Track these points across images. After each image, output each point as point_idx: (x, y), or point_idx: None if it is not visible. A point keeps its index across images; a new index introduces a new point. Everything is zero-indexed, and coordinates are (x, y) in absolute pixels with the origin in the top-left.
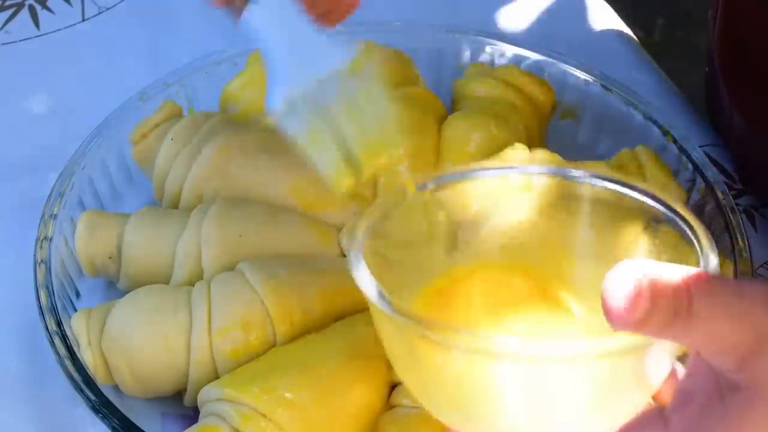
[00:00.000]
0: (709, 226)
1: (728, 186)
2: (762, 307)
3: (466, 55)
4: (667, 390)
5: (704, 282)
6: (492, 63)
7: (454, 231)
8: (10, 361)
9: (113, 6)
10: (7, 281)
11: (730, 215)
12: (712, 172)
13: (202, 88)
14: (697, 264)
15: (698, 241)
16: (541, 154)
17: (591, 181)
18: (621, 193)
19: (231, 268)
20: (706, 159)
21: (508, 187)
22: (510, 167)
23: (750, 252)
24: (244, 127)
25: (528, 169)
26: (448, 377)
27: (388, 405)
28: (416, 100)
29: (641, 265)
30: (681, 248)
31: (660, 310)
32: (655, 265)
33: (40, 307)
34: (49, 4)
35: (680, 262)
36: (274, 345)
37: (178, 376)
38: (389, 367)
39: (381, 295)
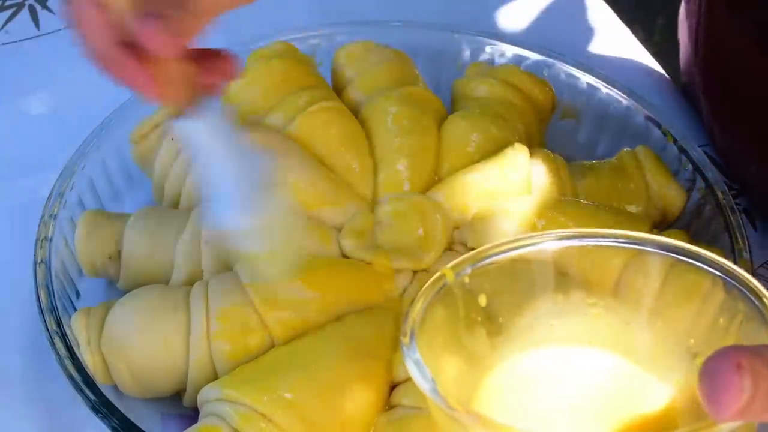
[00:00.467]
0: (709, 226)
1: (728, 186)
2: None
3: (466, 55)
4: None
5: None
6: (492, 63)
7: (496, 315)
8: (10, 361)
9: None
10: (7, 281)
11: (730, 215)
12: (712, 172)
13: None
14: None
15: (764, 308)
16: (541, 155)
17: (640, 248)
18: (684, 262)
19: (231, 268)
20: (706, 159)
21: (548, 262)
22: (549, 238)
23: (750, 252)
24: (244, 127)
25: (564, 241)
26: None
27: (388, 405)
28: (416, 100)
29: (738, 351)
30: (751, 320)
31: (762, 395)
32: (749, 348)
33: (40, 307)
34: (49, 4)
35: (753, 335)
36: (272, 346)
37: (177, 377)
38: (389, 367)
39: (434, 390)
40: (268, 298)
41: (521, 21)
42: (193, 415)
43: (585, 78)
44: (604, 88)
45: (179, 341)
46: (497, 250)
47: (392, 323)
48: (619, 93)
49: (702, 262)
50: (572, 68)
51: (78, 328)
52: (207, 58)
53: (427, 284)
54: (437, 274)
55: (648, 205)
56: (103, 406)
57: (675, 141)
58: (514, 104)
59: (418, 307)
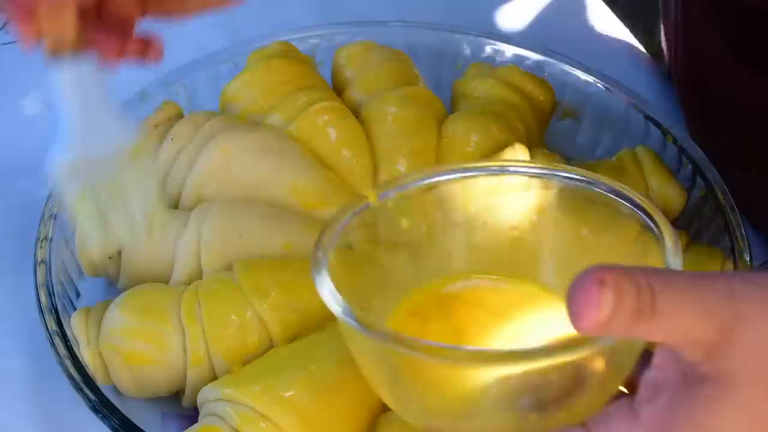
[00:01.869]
0: (709, 226)
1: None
2: (725, 301)
3: (466, 55)
4: (638, 378)
5: (666, 279)
6: (492, 63)
7: (419, 240)
8: (10, 361)
9: None
10: (7, 281)
11: (730, 215)
12: (712, 172)
13: (202, 88)
14: (662, 258)
15: (662, 236)
16: (540, 155)
17: (555, 179)
18: (587, 188)
19: (230, 268)
20: (706, 159)
21: (471, 191)
22: (472, 168)
23: (750, 252)
24: (244, 127)
25: (486, 170)
26: (422, 387)
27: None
28: (416, 100)
29: (604, 268)
30: (645, 241)
31: (624, 310)
32: (617, 266)
33: (40, 307)
34: None
35: (645, 256)
36: (271, 346)
37: (175, 377)
38: None
39: (347, 312)
40: (267, 298)
41: (521, 21)
42: (193, 414)
43: (585, 78)
44: (604, 88)
45: (177, 341)
46: (421, 175)
47: None
48: (619, 93)
49: (605, 190)
50: (572, 68)
51: (78, 327)
52: (128, 34)
53: (346, 205)
54: (359, 195)
55: None
56: (103, 406)
57: (675, 141)
58: (514, 104)
59: (335, 226)
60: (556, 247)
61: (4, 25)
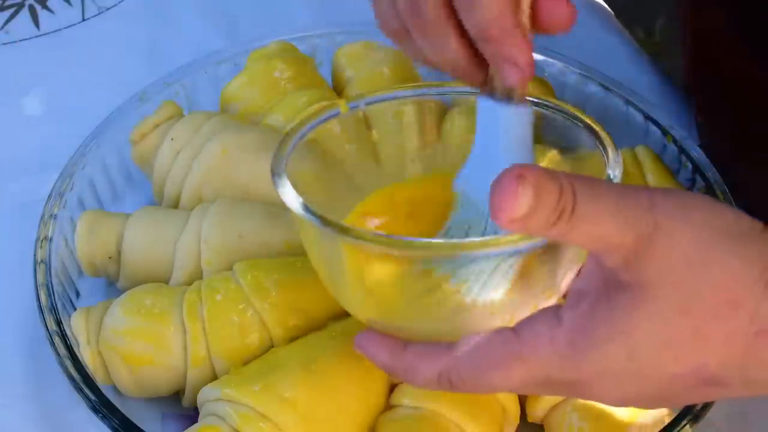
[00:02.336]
0: None
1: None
2: (645, 212)
3: None
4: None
5: (590, 185)
6: None
7: (380, 149)
8: (10, 361)
9: (113, 6)
10: (7, 281)
11: None
12: (712, 172)
13: (202, 88)
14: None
15: (605, 150)
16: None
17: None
18: (540, 110)
19: (230, 268)
20: (706, 159)
21: (428, 108)
22: (433, 88)
23: None
24: (244, 127)
25: (453, 90)
26: (366, 280)
27: (388, 405)
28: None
29: (527, 166)
30: (590, 159)
31: (543, 207)
32: (542, 167)
33: (40, 307)
34: (49, 4)
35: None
36: (271, 346)
37: (175, 377)
38: None
39: (305, 208)
40: (268, 298)
41: None
42: (193, 414)
43: (585, 78)
44: (604, 88)
45: (178, 341)
46: (392, 92)
47: None
48: (619, 93)
49: (557, 112)
50: (572, 68)
51: (78, 327)
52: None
53: (316, 108)
54: (330, 103)
55: None
56: (103, 406)
57: (675, 141)
58: None
59: (301, 127)
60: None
61: (4, 25)
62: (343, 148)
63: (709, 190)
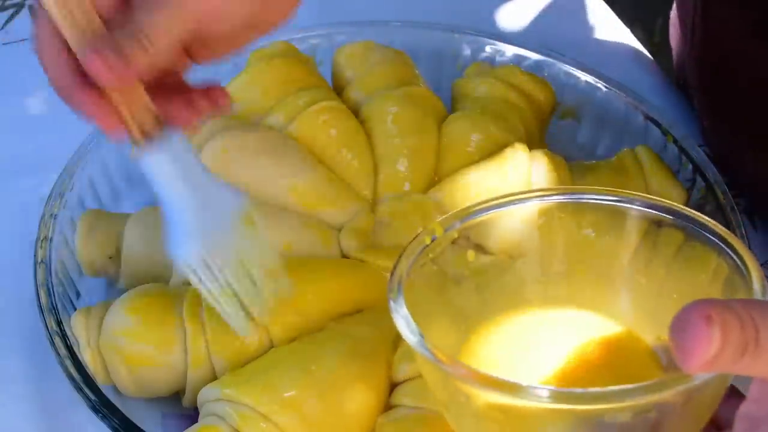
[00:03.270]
0: None
1: (728, 185)
2: None
3: (466, 55)
4: (725, 412)
5: (766, 311)
6: (492, 63)
7: (485, 270)
8: (10, 361)
9: None
10: (7, 281)
11: (730, 215)
12: (712, 172)
13: None
14: (749, 291)
15: (746, 269)
16: (540, 155)
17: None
18: (666, 219)
19: None
20: (706, 159)
21: (533, 218)
22: (529, 197)
23: None
24: (244, 128)
25: (551, 198)
26: (492, 421)
27: (388, 405)
28: (416, 100)
29: (707, 303)
30: (730, 278)
31: (730, 346)
32: (719, 301)
33: (40, 307)
34: None
35: (734, 291)
36: (271, 347)
37: (175, 377)
38: (389, 366)
39: (422, 344)
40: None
41: (521, 21)
42: (193, 414)
43: (585, 78)
44: (604, 88)
45: (178, 342)
46: (486, 206)
47: (392, 323)
48: (619, 93)
49: (684, 220)
50: (572, 68)
51: (78, 327)
52: (187, 91)
53: (414, 239)
54: (426, 229)
55: None
56: (103, 406)
57: (675, 141)
58: (514, 104)
59: (406, 262)
60: (632, 282)
61: (4, 25)
62: (447, 275)
63: (709, 190)
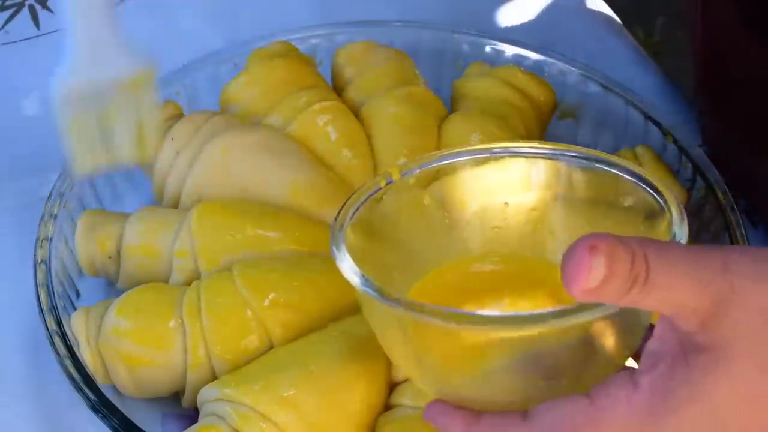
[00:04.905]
0: (708, 226)
1: (728, 185)
2: (720, 274)
3: (466, 55)
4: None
5: (662, 250)
6: (492, 63)
7: (440, 217)
8: (10, 361)
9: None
10: (7, 281)
11: (730, 215)
12: (712, 172)
13: (202, 88)
14: (669, 226)
15: (668, 209)
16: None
17: (571, 161)
18: (599, 170)
19: (229, 268)
20: (707, 159)
21: (493, 171)
22: (491, 149)
23: None
24: (244, 127)
25: (510, 151)
26: (435, 354)
27: (388, 405)
28: (416, 100)
29: (597, 235)
30: (653, 218)
31: (617, 277)
32: (613, 235)
33: (40, 307)
34: (49, 4)
35: (652, 231)
36: (271, 347)
37: (175, 378)
38: (389, 367)
39: (366, 282)
40: (267, 298)
41: (521, 21)
42: (193, 414)
43: (585, 78)
44: (604, 88)
45: (177, 342)
46: (445, 154)
47: None
48: (619, 93)
49: (615, 168)
50: (572, 68)
51: (78, 327)
52: None
53: (370, 181)
54: (383, 172)
55: None
56: (103, 406)
57: (675, 141)
58: (514, 104)
59: (355, 201)
60: (565, 227)
61: (4, 25)
62: (399, 218)
63: (709, 190)
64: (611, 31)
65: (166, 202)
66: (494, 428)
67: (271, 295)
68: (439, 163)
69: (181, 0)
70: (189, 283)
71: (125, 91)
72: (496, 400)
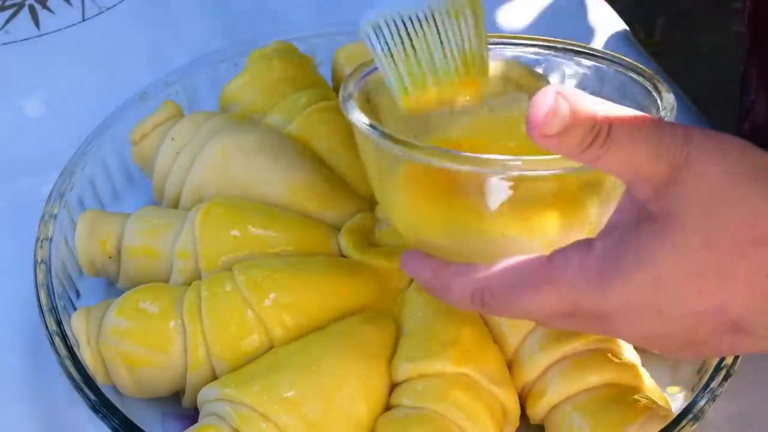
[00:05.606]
0: None
1: None
2: (679, 144)
3: None
4: None
5: (626, 113)
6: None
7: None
8: (10, 361)
9: (113, 6)
10: (7, 281)
11: None
12: None
13: (202, 88)
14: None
15: (659, 95)
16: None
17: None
18: (589, 65)
19: (230, 268)
20: None
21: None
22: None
23: None
24: (244, 127)
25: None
26: (415, 194)
27: (388, 405)
28: None
29: (566, 88)
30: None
31: (578, 128)
32: (579, 91)
33: (40, 307)
34: (49, 4)
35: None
36: (271, 347)
37: (175, 378)
38: (389, 367)
39: (369, 125)
40: (267, 298)
41: (521, 21)
42: (193, 414)
43: (585, 78)
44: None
45: (177, 342)
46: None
47: (392, 323)
48: (619, 93)
49: (602, 58)
50: (572, 66)
51: (78, 327)
52: None
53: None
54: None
55: None
56: (103, 406)
57: None
58: None
59: (361, 71)
60: None
61: (4, 25)
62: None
63: None
64: (611, 31)
65: (166, 202)
66: (459, 275)
67: (272, 295)
68: None
69: (181, 0)
70: (189, 284)
71: (443, 17)
72: (466, 251)
